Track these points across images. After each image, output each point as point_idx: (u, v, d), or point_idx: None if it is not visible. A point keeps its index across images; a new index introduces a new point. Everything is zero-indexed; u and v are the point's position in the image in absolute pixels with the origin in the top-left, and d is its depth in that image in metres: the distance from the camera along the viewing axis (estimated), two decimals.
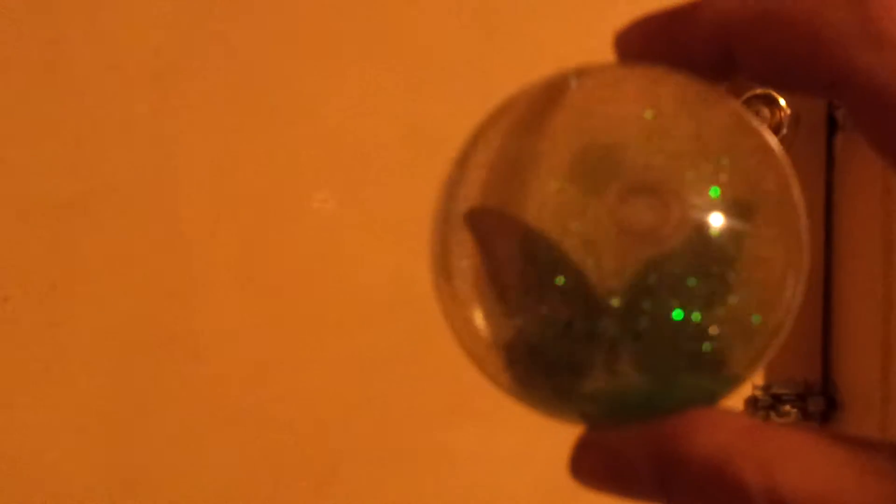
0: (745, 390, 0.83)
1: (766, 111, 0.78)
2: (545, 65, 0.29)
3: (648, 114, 0.27)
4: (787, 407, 0.83)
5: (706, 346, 0.26)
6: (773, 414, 0.83)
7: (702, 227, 0.25)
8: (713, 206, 0.26)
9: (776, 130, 0.79)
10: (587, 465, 0.27)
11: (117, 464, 0.84)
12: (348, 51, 0.83)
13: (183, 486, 0.84)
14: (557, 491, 0.83)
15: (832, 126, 0.82)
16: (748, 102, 0.77)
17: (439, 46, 0.83)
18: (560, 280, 0.26)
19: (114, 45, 0.82)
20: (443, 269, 0.28)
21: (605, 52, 0.29)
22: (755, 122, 0.27)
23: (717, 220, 0.26)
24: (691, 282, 0.26)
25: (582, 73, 0.28)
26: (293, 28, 0.83)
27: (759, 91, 0.77)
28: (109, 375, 0.83)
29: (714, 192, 0.26)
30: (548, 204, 0.27)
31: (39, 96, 0.82)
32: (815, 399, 0.83)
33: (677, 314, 0.26)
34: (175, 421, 0.84)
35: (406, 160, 0.82)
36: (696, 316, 0.26)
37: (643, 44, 0.28)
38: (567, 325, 0.26)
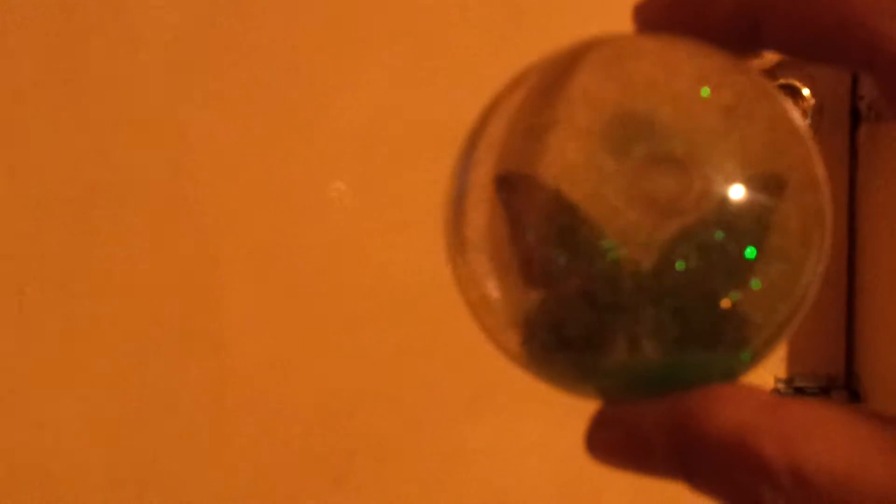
0: (768, 383, 0.83)
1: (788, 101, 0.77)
2: None
3: (671, 84, 0.27)
4: None
5: (726, 322, 0.26)
6: None
7: (724, 201, 0.25)
8: (736, 180, 0.25)
9: None
10: (603, 440, 0.27)
11: (134, 457, 0.84)
12: (368, 40, 0.82)
13: (200, 479, 0.84)
14: (576, 483, 0.83)
15: (856, 117, 0.81)
16: None
17: (460, 36, 0.82)
18: (585, 250, 0.26)
19: (131, 35, 0.82)
20: (457, 242, 0.28)
21: None
22: (780, 97, 0.27)
23: (739, 194, 0.25)
24: (713, 256, 0.25)
25: (600, 42, 0.28)
26: (312, 17, 0.82)
27: (782, 81, 0.77)
28: (126, 368, 0.83)
29: (737, 165, 0.25)
30: (569, 173, 0.26)
31: (56, 87, 0.82)
32: (839, 392, 0.82)
33: (699, 288, 0.25)
34: (192, 414, 0.84)
35: (425, 151, 0.82)
36: (717, 291, 0.25)
37: (664, 14, 0.27)
38: (590, 295, 0.26)
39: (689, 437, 0.24)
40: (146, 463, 0.84)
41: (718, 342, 0.26)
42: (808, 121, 0.78)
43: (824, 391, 0.82)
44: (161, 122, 0.82)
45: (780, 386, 0.82)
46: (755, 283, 0.26)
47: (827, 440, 0.22)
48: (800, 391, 0.82)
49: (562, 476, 0.84)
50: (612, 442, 0.26)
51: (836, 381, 0.83)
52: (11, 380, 0.83)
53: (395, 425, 0.84)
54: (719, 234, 0.25)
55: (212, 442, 0.84)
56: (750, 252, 0.25)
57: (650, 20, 0.28)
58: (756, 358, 0.27)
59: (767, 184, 0.26)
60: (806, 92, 0.78)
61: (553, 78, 0.27)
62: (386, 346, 0.83)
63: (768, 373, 0.82)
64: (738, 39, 0.26)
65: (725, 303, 0.25)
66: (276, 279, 0.83)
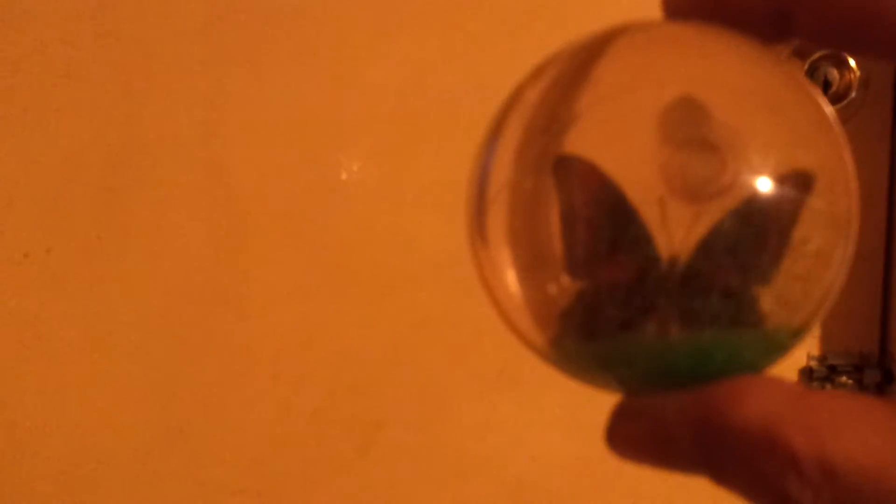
0: (801, 361, 0.82)
1: (835, 73, 0.76)
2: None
3: (701, 72, 0.26)
4: (843, 378, 0.82)
5: (753, 314, 0.25)
6: (828, 385, 0.82)
7: (756, 191, 0.25)
8: (767, 171, 0.25)
9: (845, 93, 0.77)
10: (625, 434, 0.26)
11: (159, 418, 0.84)
12: (395, 14, 0.82)
13: (225, 443, 0.84)
14: (601, 456, 0.82)
15: None
16: (816, 63, 0.76)
17: (486, 14, 0.81)
18: (629, 236, 0.25)
19: None
20: (480, 233, 0.28)
21: None
22: (810, 86, 0.26)
23: (770, 186, 0.25)
24: (742, 248, 0.25)
25: (629, 29, 0.27)
26: None
27: (828, 52, 0.75)
28: (152, 333, 0.83)
29: (769, 156, 0.25)
30: (605, 161, 0.26)
31: (87, 48, 0.81)
32: (872, 371, 0.82)
33: (727, 280, 0.25)
34: (219, 378, 0.84)
35: (451, 124, 0.81)
36: (745, 282, 0.25)
37: (693, 1, 0.27)
38: (628, 282, 0.25)
39: (714, 429, 0.23)
40: (170, 429, 0.84)
41: (744, 333, 0.25)
42: (853, 93, 0.77)
43: (857, 369, 0.82)
44: (192, 85, 0.82)
45: (813, 363, 0.82)
46: (782, 276, 0.25)
47: (856, 432, 0.22)
48: (833, 369, 0.82)
49: (587, 449, 0.84)
50: (633, 435, 0.26)
51: (869, 359, 0.82)
52: (37, 341, 0.83)
53: (421, 397, 0.84)
54: (750, 225, 0.25)
55: (237, 409, 0.84)
56: (778, 245, 0.25)
57: (679, 7, 0.27)
58: (782, 350, 0.26)
59: (798, 175, 0.25)
60: (852, 63, 0.76)
61: (580, 65, 0.27)
62: (413, 318, 0.83)
63: (801, 350, 0.82)
64: (767, 28, 0.26)
65: (752, 295, 0.25)
66: (304, 247, 0.83)
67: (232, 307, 0.83)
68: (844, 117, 0.76)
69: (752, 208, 0.25)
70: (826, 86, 0.78)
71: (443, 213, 0.81)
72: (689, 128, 0.25)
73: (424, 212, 0.82)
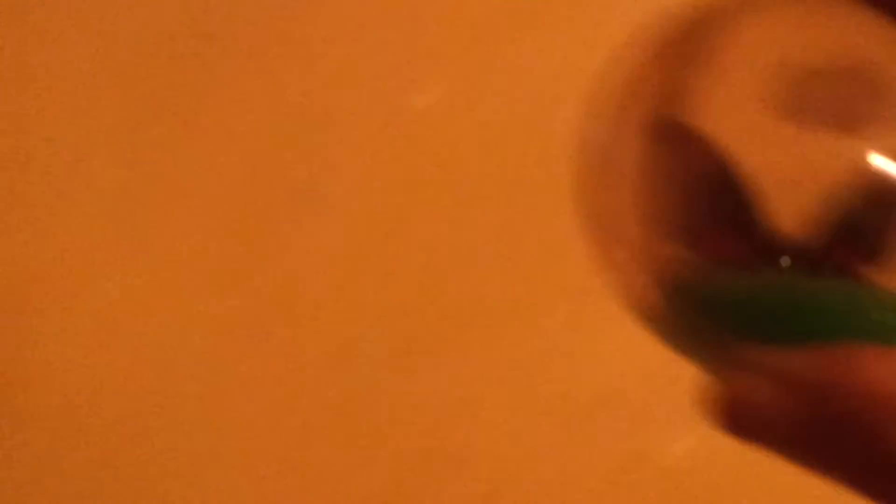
0: None
1: None
2: None
3: (825, 45, 0.26)
4: None
5: (880, 296, 0.24)
6: None
7: (881, 171, 0.24)
8: (892, 151, 0.24)
9: None
10: (732, 410, 0.24)
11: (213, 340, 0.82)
12: None
13: (261, 363, 0.82)
14: (666, 387, 0.79)
15: None
16: None
17: None
18: (744, 215, 0.25)
19: None
20: (596, 198, 0.27)
21: None
22: None
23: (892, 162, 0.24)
24: (869, 230, 0.25)
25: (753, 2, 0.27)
26: None
27: None
28: (215, 230, 0.82)
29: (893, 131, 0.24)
30: (726, 131, 0.25)
31: None
32: None
33: (854, 262, 0.24)
34: (291, 273, 0.82)
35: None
36: (872, 265, 0.24)
37: None
38: (741, 263, 0.25)
39: (846, 397, 0.22)
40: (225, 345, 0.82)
41: (870, 300, 0.25)
42: None
43: None
44: None
45: None
46: None
47: None
48: None
49: (652, 380, 0.80)
50: (742, 410, 0.24)
51: None
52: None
53: (473, 320, 0.82)
54: (875, 208, 0.24)
55: (280, 333, 0.82)
56: None
57: None
58: None
59: None
60: None
61: (695, 35, 0.27)
62: (473, 235, 0.81)
63: None
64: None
65: (878, 273, 0.24)
66: (370, 156, 0.82)
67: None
68: None
69: (876, 190, 0.24)
70: None
71: (512, 136, 0.80)
72: (814, 105, 0.25)
73: (495, 132, 0.81)
